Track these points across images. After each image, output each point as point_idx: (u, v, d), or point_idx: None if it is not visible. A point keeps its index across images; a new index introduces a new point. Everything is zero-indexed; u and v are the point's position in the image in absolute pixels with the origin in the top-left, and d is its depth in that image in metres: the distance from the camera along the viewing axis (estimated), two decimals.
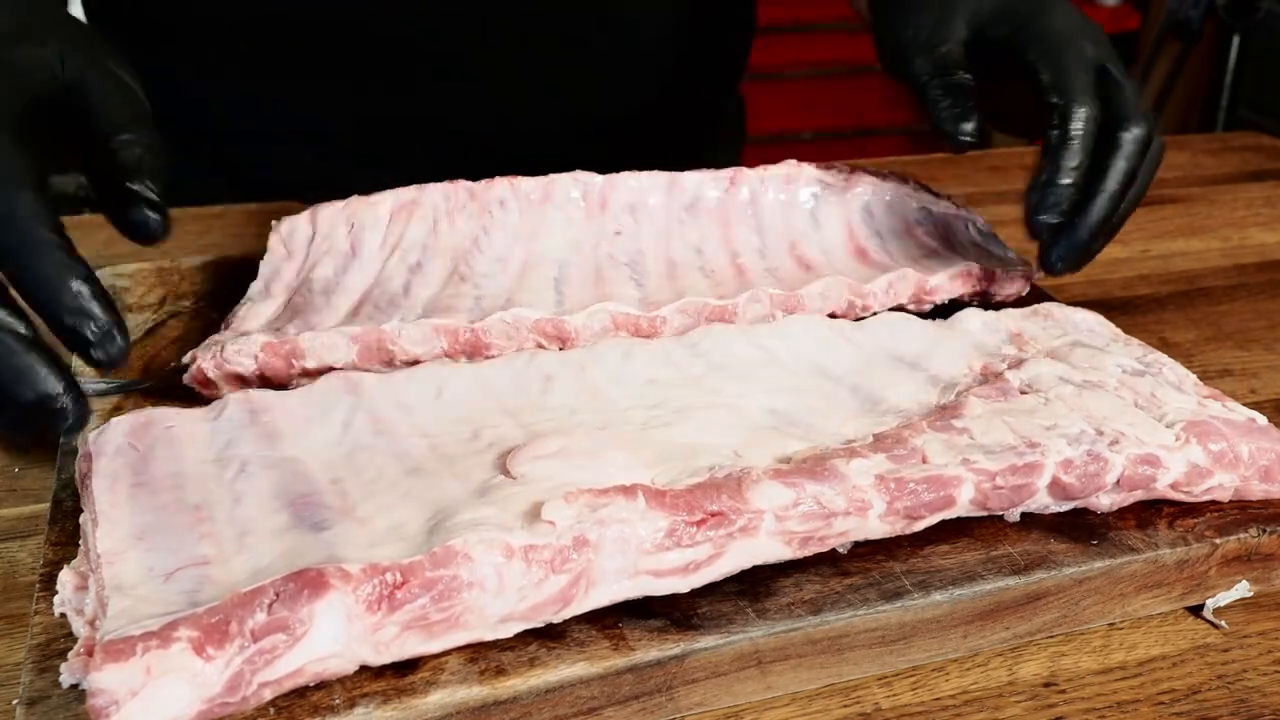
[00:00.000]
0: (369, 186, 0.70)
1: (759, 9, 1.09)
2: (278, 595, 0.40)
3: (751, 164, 0.76)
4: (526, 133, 0.94)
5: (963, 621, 0.49)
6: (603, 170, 0.73)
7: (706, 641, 0.45)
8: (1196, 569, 0.52)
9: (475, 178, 0.72)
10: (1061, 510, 0.53)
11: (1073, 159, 0.63)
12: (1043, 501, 0.52)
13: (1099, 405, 0.55)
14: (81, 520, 0.48)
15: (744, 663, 0.46)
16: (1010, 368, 0.59)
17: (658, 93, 0.99)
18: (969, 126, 0.66)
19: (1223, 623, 0.53)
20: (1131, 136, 0.64)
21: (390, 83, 0.90)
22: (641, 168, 0.74)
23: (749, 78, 1.14)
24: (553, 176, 0.72)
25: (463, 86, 0.91)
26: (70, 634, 0.44)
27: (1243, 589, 0.54)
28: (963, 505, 0.51)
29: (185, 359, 0.59)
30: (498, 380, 0.57)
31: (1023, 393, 0.56)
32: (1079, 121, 0.64)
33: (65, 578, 0.45)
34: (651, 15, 0.96)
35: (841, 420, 0.55)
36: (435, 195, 0.70)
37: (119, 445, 0.50)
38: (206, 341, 0.60)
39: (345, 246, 0.68)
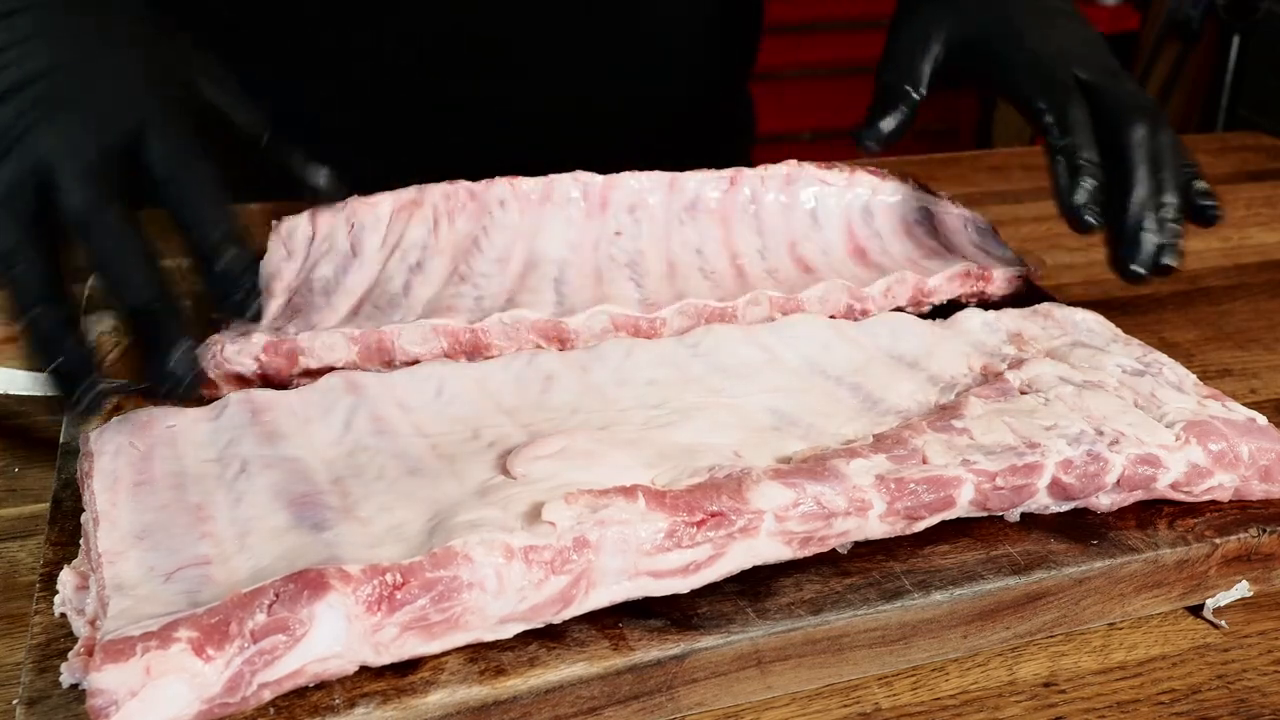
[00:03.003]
0: (368, 184, 0.70)
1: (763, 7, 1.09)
2: (278, 596, 0.40)
3: (752, 164, 0.76)
4: (529, 132, 0.94)
5: (963, 621, 0.49)
6: (608, 169, 0.73)
7: (706, 641, 0.45)
8: (1196, 569, 0.52)
9: (476, 177, 0.72)
10: (1061, 510, 0.53)
11: (1080, 156, 0.64)
12: (1043, 502, 0.52)
13: (1099, 405, 0.55)
14: (82, 520, 0.48)
15: (744, 663, 0.46)
16: (1010, 368, 0.59)
17: (665, 92, 0.99)
18: (872, 132, 0.69)
19: (1223, 623, 0.53)
20: (1131, 126, 0.65)
21: (390, 80, 0.90)
22: (648, 167, 0.74)
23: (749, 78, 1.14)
24: (553, 177, 0.72)
25: (463, 85, 0.91)
26: (70, 634, 0.44)
27: (1243, 589, 0.54)
28: (963, 506, 0.51)
29: None
30: (498, 380, 0.57)
31: (1023, 393, 0.56)
32: (1071, 129, 0.65)
33: (66, 577, 0.45)
34: (659, 13, 0.96)
35: (842, 420, 0.55)
36: (435, 195, 0.70)
37: (119, 445, 0.51)
38: (206, 341, 0.60)
39: (345, 246, 0.68)
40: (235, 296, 0.52)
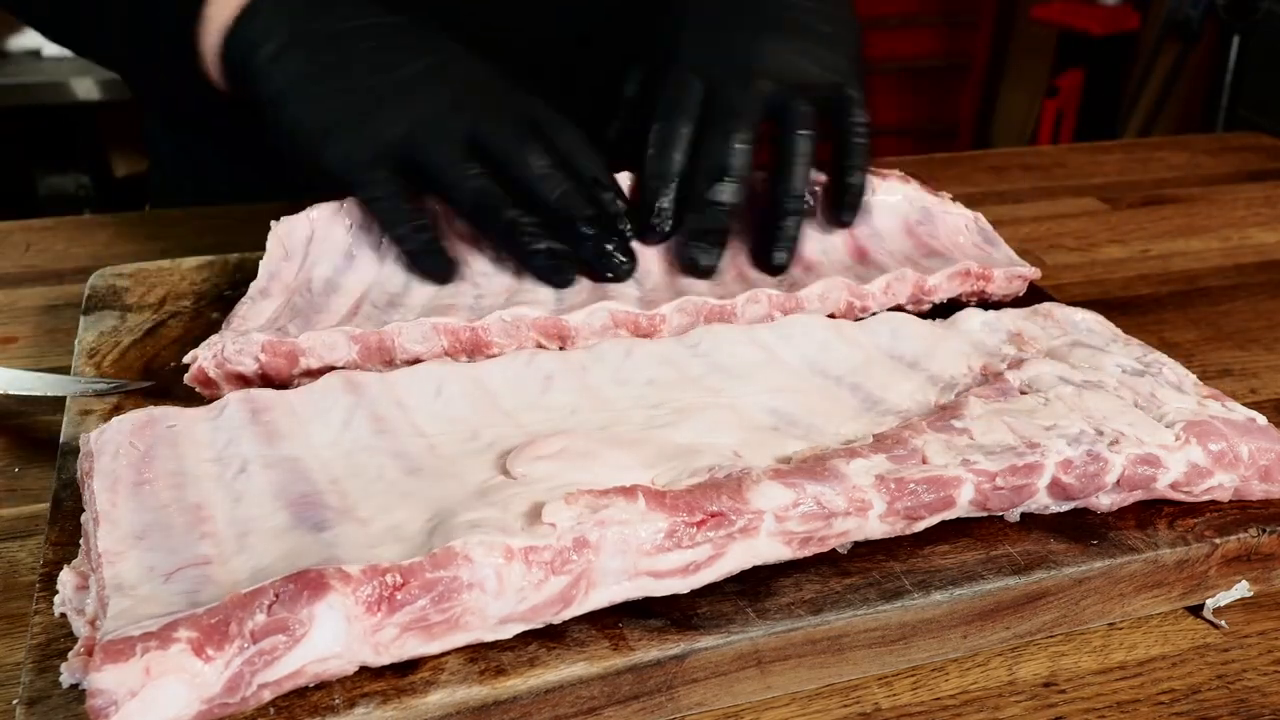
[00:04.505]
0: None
1: None
2: (277, 596, 0.40)
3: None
4: None
5: (963, 621, 0.49)
6: (607, 169, 0.73)
7: (706, 641, 0.45)
8: (1196, 569, 0.52)
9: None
10: (1061, 510, 0.53)
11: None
12: (1043, 502, 0.52)
13: (1099, 405, 0.55)
14: (82, 520, 0.48)
15: (744, 663, 0.46)
16: (1010, 368, 0.59)
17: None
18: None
19: (1223, 623, 0.53)
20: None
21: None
22: None
23: None
24: None
25: None
26: (70, 634, 0.44)
27: (1242, 589, 0.54)
28: (963, 506, 0.51)
29: (186, 359, 0.59)
30: (497, 380, 0.57)
31: (1023, 393, 0.56)
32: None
33: (66, 577, 0.45)
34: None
35: (841, 420, 0.55)
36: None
37: (120, 445, 0.50)
38: (207, 341, 0.60)
39: (344, 246, 0.68)
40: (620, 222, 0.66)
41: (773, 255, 0.68)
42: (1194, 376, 0.59)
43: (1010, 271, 0.72)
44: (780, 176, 0.68)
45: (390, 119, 0.65)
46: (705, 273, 0.67)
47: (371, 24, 0.69)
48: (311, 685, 0.42)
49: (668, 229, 0.68)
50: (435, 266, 0.66)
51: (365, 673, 0.43)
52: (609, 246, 0.65)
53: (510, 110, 0.67)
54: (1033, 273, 0.72)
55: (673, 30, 0.75)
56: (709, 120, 0.68)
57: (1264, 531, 0.53)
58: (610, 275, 0.66)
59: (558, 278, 0.65)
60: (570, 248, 0.65)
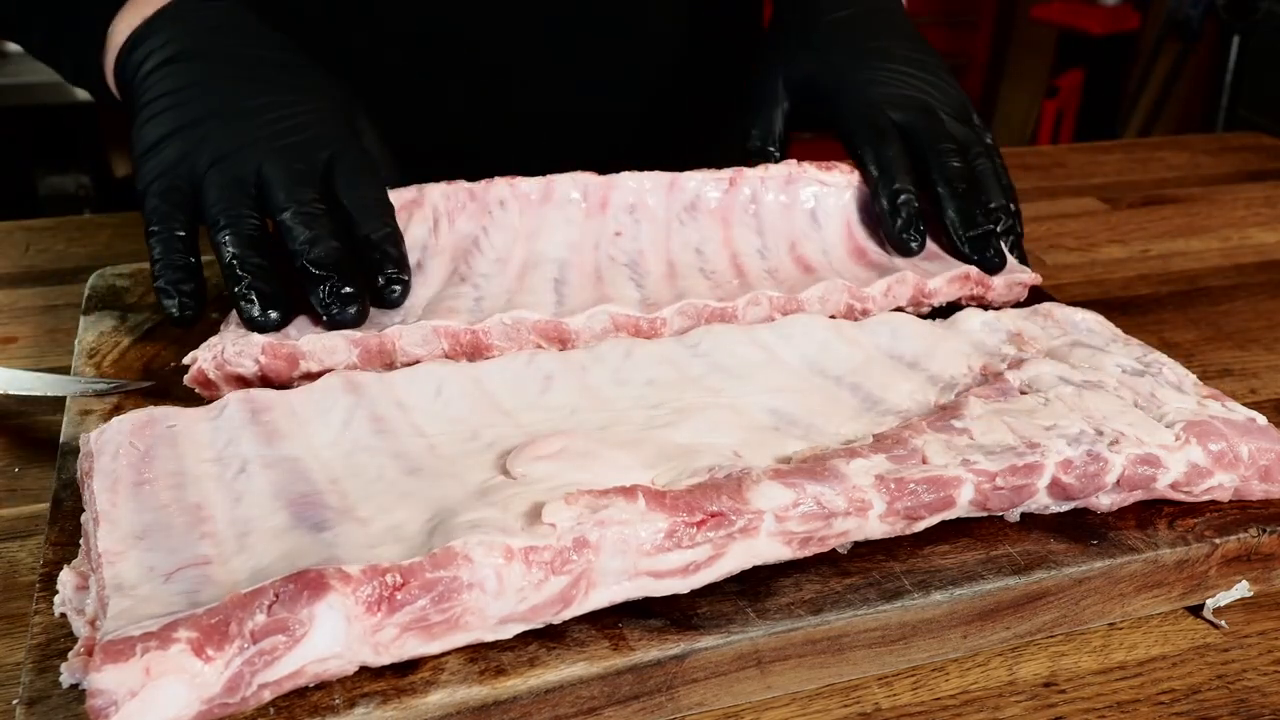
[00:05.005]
0: None
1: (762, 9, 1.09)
2: (277, 596, 0.40)
3: (752, 164, 0.76)
4: (528, 132, 0.94)
5: (963, 621, 0.49)
6: (608, 169, 0.73)
7: (706, 641, 0.45)
8: (1196, 569, 0.52)
9: (474, 177, 0.72)
10: (1061, 510, 0.53)
11: (895, 187, 0.71)
12: (1043, 502, 0.52)
13: (1099, 405, 0.55)
14: (82, 520, 0.48)
15: (744, 663, 0.46)
16: (1010, 368, 0.59)
17: (666, 91, 0.99)
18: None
19: (1223, 623, 0.53)
20: (939, 156, 0.72)
21: (390, 76, 0.90)
22: (648, 167, 0.73)
23: None
24: (552, 177, 0.72)
25: (464, 83, 0.91)
26: (70, 634, 0.44)
27: (1242, 589, 0.54)
28: (963, 506, 0.51)
29: (186, 360, 0.59)
30: (497, 380, 0.57)
31: (1023, 393, 0.56)
32: (886, 166, 0.72)
33: (66, 577, 0.45)
34: (660, 13, 0.97)
35: (841, 420, 0.55)
36: (435, 195, 0.70)
37: (120, 445, 0.50)
38: (207, 342, 0.60)
39: None
40: (388, 269, 0.62)
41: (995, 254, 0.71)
42: (1194, 376, 0.59)
43: (1011, 277, 0.71)
44: (981, 190, 0.73)
45: (197, 148, 0.64)
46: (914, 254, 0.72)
47: (252, 54, 0.70)
48: (311, 685, 0.42)
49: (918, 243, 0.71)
50: (177, 311, 0.61)
51: (365, 673, 0.43)
52: (327, 297, 0.60)
53: (307, 157, 0.65)
54: (1033, 278, 0.72)
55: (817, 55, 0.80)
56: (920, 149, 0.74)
57: (1264, 531, 0.53)
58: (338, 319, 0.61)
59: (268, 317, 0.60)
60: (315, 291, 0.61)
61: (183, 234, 0.62)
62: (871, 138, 0.73)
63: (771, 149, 0.80)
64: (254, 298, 0.60)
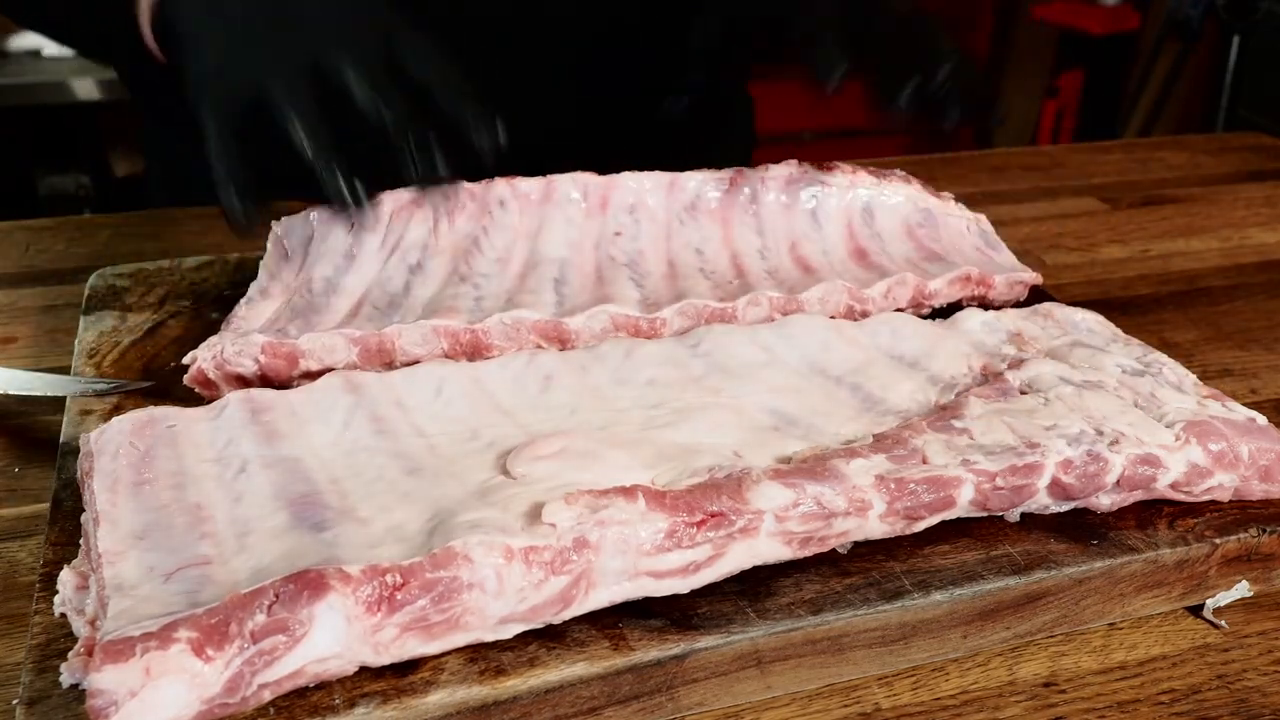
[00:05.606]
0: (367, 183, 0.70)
1: None
2: (277, 596, 0.40)
3: (753, 164, 0.76)
4: (528, 132, 0.94)
5: (963, 621, 0.49)
6: (608, 170, 0.73)
7: (706, 641, 0.45)
8: (1196, 569, 0.52)
9: (473, 177, 0.72)
10: (1061, 510, 0.53)
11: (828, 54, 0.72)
12: (1043, 502, 0.52)
13: (1099, 405, 0.55)
14: (82, 520, 0.48)
15: (744, 663, 0.46)
16: (1010, 368, 0.59)
17: (664, 91, 0.99)
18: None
19: (1223, 623, 0.53)
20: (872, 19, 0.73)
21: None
22: (648, 167, 0.73)
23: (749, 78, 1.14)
24: (553, 177, 0.72)
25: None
26: (70, 634, 0.44)
27: (1243, 589, 0.54)
28: (963, 506, 0.51)
29: (185, 359, 0.59)
30: (497, 380, 0.57)
31: (1023, 393, 0.56)
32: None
33: (66, 577, 0.45)
34: (659, 12, 0.96)
35: (842, 420, 0.55)
36: (435, 195, 0.70)
37: (120, 445, 0.50)
38: (207, 342, 0.60)
39: (345, 247, 0.68)
40: (472, 113, 0.63)
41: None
42: (1194, 376, 0.59)
43: (1012, 278, 0.72)
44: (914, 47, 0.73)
45: (249, 49, 0.64)
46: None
47: None
48: (311, 685, 0.42)
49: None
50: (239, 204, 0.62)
51: (365, 673, 0.43)
52: (416, 150, 0.62)
53: (360, 42, 0.65)
54: (1034, 278, 0.72)
55: None
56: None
57: (1264, 531, 0.53)
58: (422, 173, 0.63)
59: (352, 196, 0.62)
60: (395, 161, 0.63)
61: (238, 138, 0.62)
62: (812, 24, 0.74)
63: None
64: (336, 170, 0.60)
